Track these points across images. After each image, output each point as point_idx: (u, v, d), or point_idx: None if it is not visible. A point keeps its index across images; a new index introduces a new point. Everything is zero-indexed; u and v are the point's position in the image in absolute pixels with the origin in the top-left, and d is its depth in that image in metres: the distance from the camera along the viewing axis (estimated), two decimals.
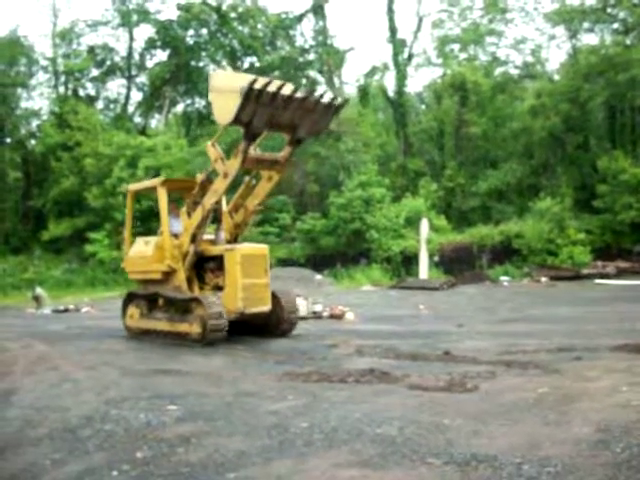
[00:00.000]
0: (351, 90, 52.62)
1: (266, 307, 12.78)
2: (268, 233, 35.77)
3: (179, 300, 12.86)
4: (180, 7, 46.18)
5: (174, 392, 7.93)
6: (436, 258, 31.74)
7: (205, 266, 13.33)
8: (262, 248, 13.39)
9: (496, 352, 9.86)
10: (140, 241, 14.37)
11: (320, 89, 48.39)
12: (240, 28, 46.36)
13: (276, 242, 36.07)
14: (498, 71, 44.85)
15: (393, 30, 42.61)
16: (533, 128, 37.56)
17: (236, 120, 11.13)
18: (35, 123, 47.90)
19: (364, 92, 47.75)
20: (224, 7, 45.99)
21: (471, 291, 24.87)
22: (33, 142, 47.10)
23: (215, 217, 13.46)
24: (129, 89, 49.33)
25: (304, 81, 47.36)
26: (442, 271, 31.03)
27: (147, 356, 11.32)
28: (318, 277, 31.46)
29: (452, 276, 29.36)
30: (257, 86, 10.81)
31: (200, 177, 13.27)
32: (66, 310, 23.13)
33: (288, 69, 45.35)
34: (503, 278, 28.76)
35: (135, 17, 46.77)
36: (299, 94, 11.61)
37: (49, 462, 5.42)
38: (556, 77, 41.96)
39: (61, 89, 47.60)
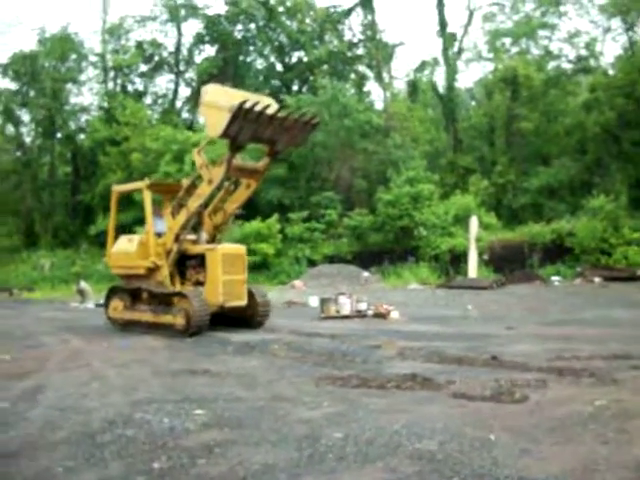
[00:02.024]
0: (400, 85, 52.03)
1: (243, 301, 14.06)
2: (315, 229, 35.37)
3: (164, 294, 14.04)
4: (228, 2, 46.04)
5: (204, 395, 7.57)
6: (485, 257, 30.87)
7: (187, 263, 14.54)
8: (240, 248, 14.89)
9: (547, 358, 9.25)
10: (123, 239, 15.62)
11: (369, 84, 48.20)
12: (288, 22, 45.99)
13: (323, 238, 35.69)
14: (551, 65, 43.50)
15: (443, 24, 41.72)
16: (587, 123, 36.39)
17: (224, 134, 12.38)
18: (84, 118, 48.23)
19: (413, 87, 47.00)
20: (272, 1, 45.64)
21: (521, 291, 24.06)
22: (82, 137, 47.33)
23: (197, 219, 14.60)
24: (177, 84, 49.45)
25: (353, 76, 46.88)
26: (492, 270, 30.17)
27: (182, 355, 11.02)
28: (365, 274, 30.90)
29: (502, 275, 28.54)
30: (246, 106, 12.07)
31: (186, 182, 14.71)
32: None
33: (336, 63, 44.89)
34: (554, 278, 27.82)
35: (183, 12, 46.79)
36: (281, 114, 13.18)
37: (62, 470, 5.12)
38: (611, 71, 40.55)
39: (110, 84, 47.91)
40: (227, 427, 6.10)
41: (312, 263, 33.65)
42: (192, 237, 14.71)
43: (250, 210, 36.47)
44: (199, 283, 14.15)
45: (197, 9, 47.08)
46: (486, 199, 35.94)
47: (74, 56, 46.36)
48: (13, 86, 45.82)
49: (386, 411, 6.46)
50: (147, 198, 14.72)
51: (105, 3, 47.60)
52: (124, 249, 15.13)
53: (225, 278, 13.63)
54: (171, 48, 48.95)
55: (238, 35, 46.97)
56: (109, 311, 15.42)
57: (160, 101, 50.63)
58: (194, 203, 13.71)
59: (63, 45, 45.01)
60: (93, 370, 9.55)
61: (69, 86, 47.33)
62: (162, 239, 14.35)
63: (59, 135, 47.11)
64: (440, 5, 41.58)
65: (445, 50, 42.36)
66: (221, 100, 12.54)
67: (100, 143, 42.10)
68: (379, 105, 45.81)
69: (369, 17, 45.15)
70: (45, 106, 44.06)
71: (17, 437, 6.07)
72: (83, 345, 12.41)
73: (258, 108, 12.27)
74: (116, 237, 16.02)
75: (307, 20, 46.49)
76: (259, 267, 33.20)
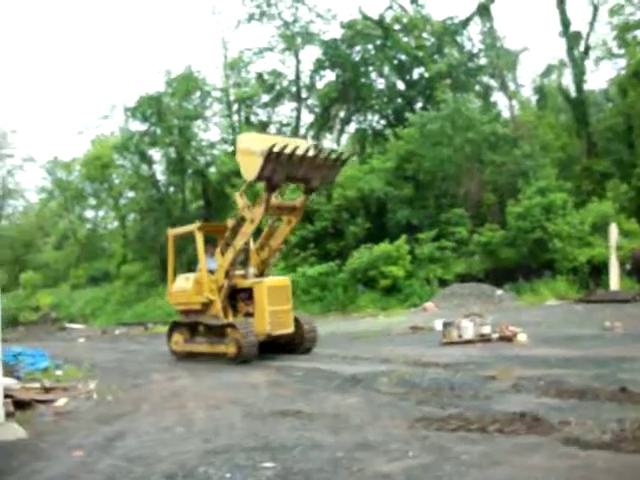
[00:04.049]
0: (527, 92, 49.96)
1: (289, 329, 14.96)
2: (445, 248, 34.12)
3: (217, 326, 15.17)
4: (343, 25, 45.79)
5: (284, 441, 6.92)
6: (628, 266, 28.59)
7: (237, 297, 15.56)
8: (285, 280, 15.96)
9: None
10: (181, 277, 16.72)
11: (495, 94, 46.53)
12: (405, 39, 45.15)
13: (453, 257, 34.40)
14: None
15: (566, 23, 39.37)
16: None
17: (259, 177, 13.47)
18: (213, 152, 49.12)
19: (541, 93, 44.93)
20: (387, 20, 44.99)
21: None
22: (212, 171, 48.32)
23: (245, 255, 15.65)
24: (299, 111, 49.47)
25: (477, 87, 45.40)
26: (636, 281, 27.96)
27: (281, 392, 10.44)
28: (499, 292, 29.50)
29: None
30: (276, 149, 13.03)
31: (231, 222, 15.67)
32: None
33: (458, 76, 43.60)
34: None
35: (299, 40, 46.86)
36: (311, 153, 14.07)
37: None
38: None
39: (235, 117, 48.66)
40: None
41: (444, 283, 32.44)
42: (241, 272, 15.68)
43: (378, 233, 35.81)
44: (249, 314, 15.13)
45: (313, 35, 47.03)
46: (626, 204, 33.49)
47: (198, 93, 47.41)
48: (142, 127, 47.52)
49: (478, 464, 5.52)
50: (199, 239, 15.80)
51: None
52: (182, 287, 16.29)
53: (271, 309, 14.54)
54: (291, 76, 49.15)
55: (356, 57, 46.49)
56: (171, 344, 16.75)
57: (284, 129, 50.81)
58: (239, 241, 14.75)
59: (187, 83, 46.17)
60: (184, 412, 9.20)
61: (197, 122, 48.45)
62: (214, 276, 15.40)
63: (189, 171, 48.28)
64: (561, 4, 39.39)
65: (570, 50, 40.00)
66: (254, 146, 13.58)
67: (227, 176, 42.68)
68: (507, 114, 44.07)
69: (488, 25, 43.62)
70: (173, 144, 45.28)
71: None
72: (188, 382, 12.29)
73: (288, 150, 13.19)
74: None
75: (424, 35, 45.44)
76: (390, 290, 32.43)
